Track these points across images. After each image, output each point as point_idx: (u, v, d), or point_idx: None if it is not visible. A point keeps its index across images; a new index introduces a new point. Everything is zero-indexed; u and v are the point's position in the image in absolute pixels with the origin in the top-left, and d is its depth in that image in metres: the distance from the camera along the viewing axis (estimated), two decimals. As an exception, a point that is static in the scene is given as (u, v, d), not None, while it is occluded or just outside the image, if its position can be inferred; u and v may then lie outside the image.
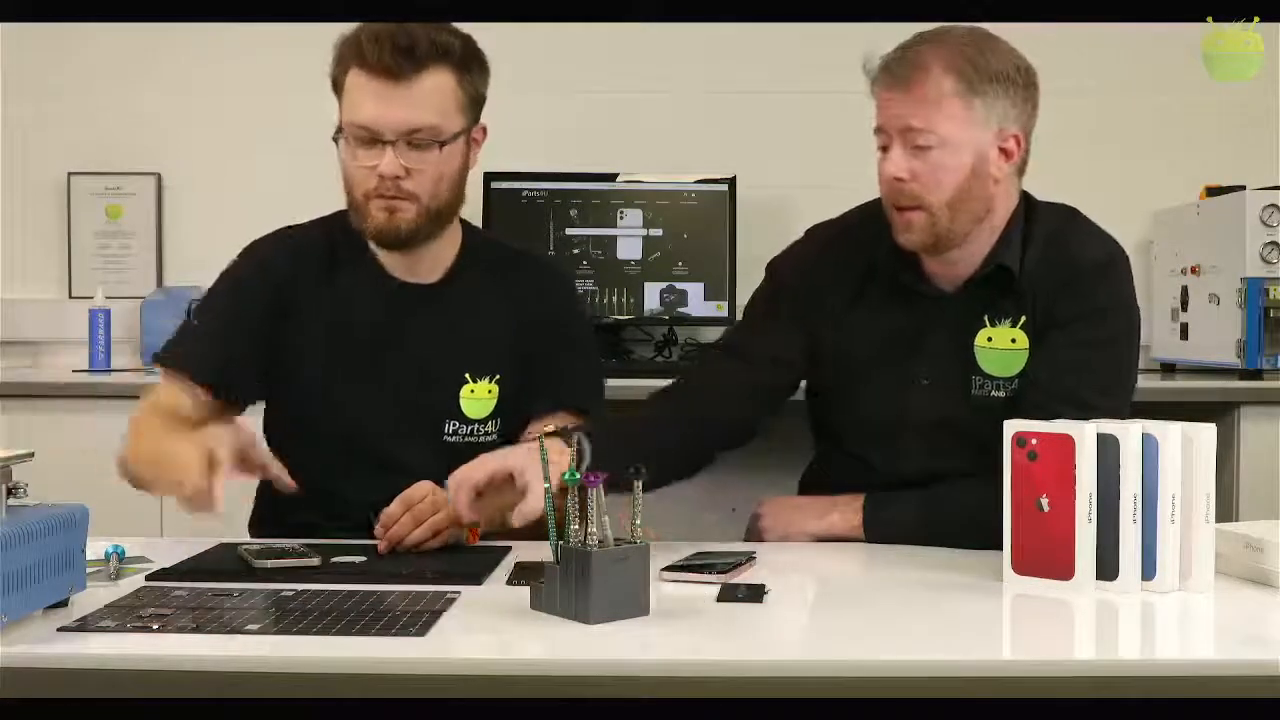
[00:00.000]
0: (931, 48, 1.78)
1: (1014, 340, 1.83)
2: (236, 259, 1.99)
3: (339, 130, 1.85)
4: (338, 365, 1.93)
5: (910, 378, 1.86)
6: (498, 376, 1.95)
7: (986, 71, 1.78)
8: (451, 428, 1.93)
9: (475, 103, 1.88)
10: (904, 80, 1.76)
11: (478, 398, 1.94)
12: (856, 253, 1.91)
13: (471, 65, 1.86)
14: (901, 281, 1.87)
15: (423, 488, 1.70)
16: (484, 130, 1.92)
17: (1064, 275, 1.82)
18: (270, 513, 1.96)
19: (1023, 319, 1.82)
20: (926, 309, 1.87)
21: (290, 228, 2.02)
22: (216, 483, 1.57)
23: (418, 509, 1.68)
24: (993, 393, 1.83)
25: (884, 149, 1.81)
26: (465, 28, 1.93)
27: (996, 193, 1.82)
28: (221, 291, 1.97)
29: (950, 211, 1.79)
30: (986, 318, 1.84)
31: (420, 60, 1.79)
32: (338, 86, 1.85)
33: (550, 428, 1.70)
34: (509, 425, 1.95)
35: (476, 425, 1.94)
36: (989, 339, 1.84)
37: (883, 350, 1.87)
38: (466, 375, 1.94)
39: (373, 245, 1.93)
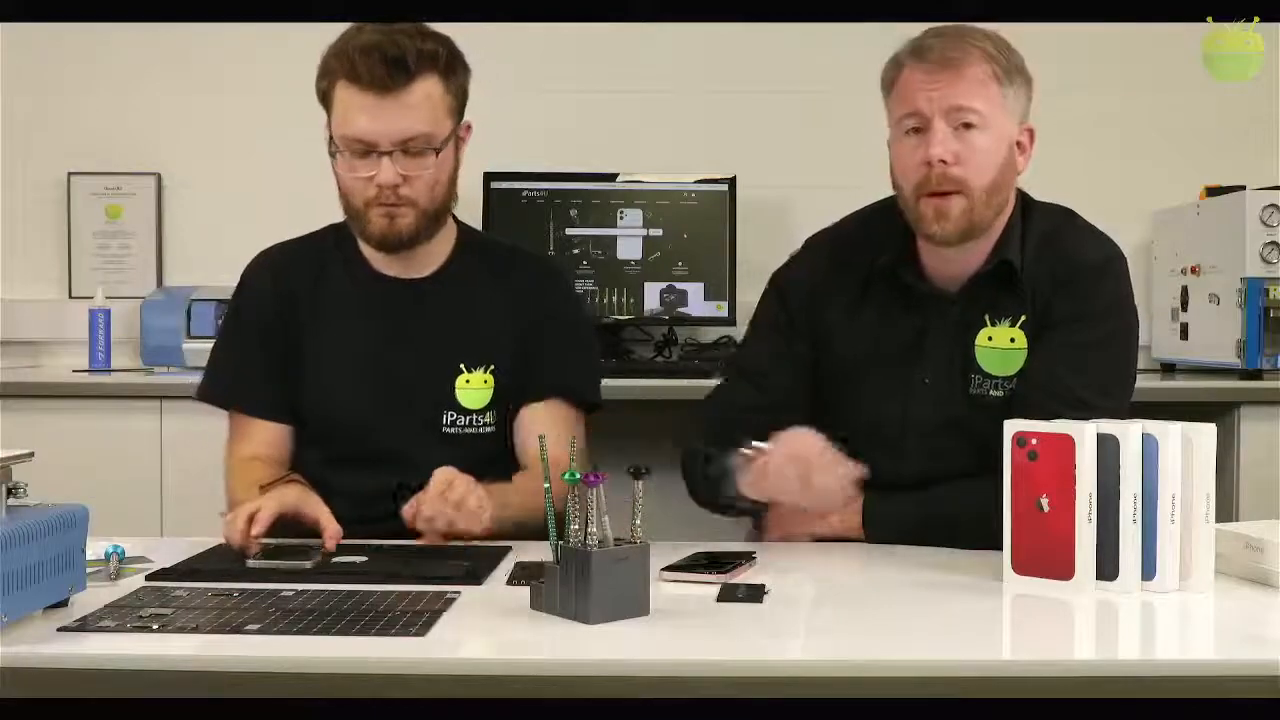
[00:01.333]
0: (964, 37, 1.79)
1: (1013, 340, 1.83)
2: (242, 281, 2.03)
3: (331, 142, 1.87)
4: (335, 364, 1.95)
5: (912, 377, 1.86)
6: (493, 367, 1.96)
7: (1012, 64, 1.81)
8: (449, 419, 1.95)
9: (461, 103, 1.91)
10: (948, 61, 1.77)
11: (474, 388, 1.96)
12: (857, 256, 1.91)
13: (456, 68, 1.89)
14: (903, 281, 1.87)
15: (446, 475, 1.72)
16: (469, 127, 1.94)
17: (1062, 275, 1.82)
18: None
19: (1022, 318, 1.83)
20: (928, 309, 1.87)
21: (282, 243, 2.05)
22: (250, 539, 1.64)
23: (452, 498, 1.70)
24: (991, 392, 1.83)
25: (915, 132, 1.79)
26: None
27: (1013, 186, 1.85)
28: (241, 318, 2.01)
29: (987, 197, 1.80)
30: (988, 317, 1.84)
31: (410, 70, 1.81)
32: (325, 99, 1.87)
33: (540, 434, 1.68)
34: (506, 416, 1.97)
35: (474, 415, 1.96)
36: (989, 338, 1.84)
37: (885, 351, 1.87)
38: (461, 365, 1.95)
39: (367, 248, 1.95)
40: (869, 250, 1.89)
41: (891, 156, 1.86)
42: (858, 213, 1.99)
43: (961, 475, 1.76)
